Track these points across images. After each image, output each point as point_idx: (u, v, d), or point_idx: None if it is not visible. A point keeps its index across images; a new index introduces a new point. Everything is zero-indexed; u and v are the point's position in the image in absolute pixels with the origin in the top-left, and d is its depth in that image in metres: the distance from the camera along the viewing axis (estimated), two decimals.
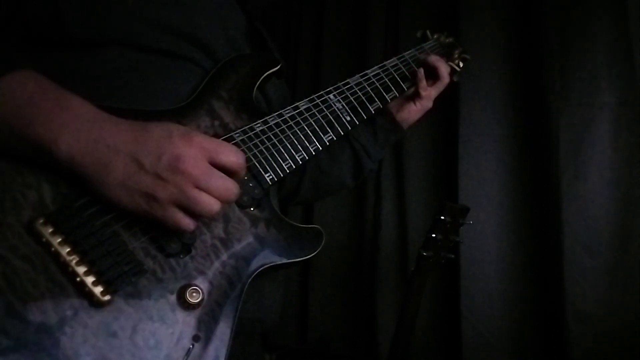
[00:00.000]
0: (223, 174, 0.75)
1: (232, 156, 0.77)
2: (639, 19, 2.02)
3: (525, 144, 2.24)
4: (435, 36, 1.41)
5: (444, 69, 1.26)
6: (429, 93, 1.27)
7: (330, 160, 1.26)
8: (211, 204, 0.73)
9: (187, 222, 0.74)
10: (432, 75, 1.26)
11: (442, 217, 1.65)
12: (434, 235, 1.65)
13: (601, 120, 2.06)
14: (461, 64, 1.41)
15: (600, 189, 2.05)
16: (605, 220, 2.04)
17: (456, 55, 1.41)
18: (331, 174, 1.28)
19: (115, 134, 0.72)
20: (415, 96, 1.26)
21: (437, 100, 1.31)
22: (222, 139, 0.87)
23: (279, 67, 1.02)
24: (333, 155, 1.26)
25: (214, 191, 0.74)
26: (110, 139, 0.72)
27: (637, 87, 2.01)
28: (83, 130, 0.71)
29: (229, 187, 0.75)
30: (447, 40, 1.42)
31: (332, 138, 1.03)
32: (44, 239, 0.69)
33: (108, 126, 0.73)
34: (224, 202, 0.75)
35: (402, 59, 1.25)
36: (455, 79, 1.40)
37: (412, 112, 1.28)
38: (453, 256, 1.72)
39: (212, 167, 0.74)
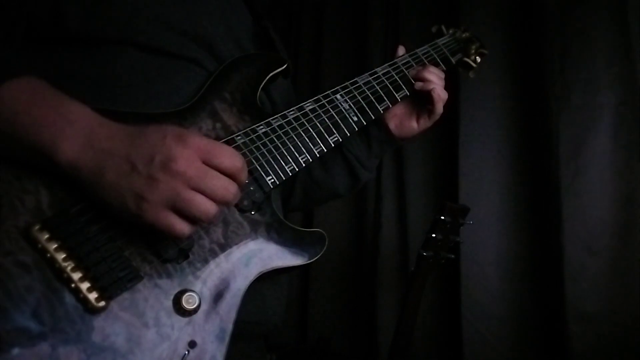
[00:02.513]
0: (219, 174, 0.72)
1: (228, 158, 0.73)
2: (639, 19, 2.02)
3: (525, 144, 2.24)
4: (450, 31, 1.33)
5: (439, 91, 1.15)
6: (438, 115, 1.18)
7: (322, 170, 1.21)
8: (207, 206, 0.70)
9: (181, 227, 0.70)
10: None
11: (442, 217, 1.64)
12: (434, 235, 1.64)
13: (601, 120, 2.07)
14: (478, 59, 1.34)
15: (600, 189, 2.05)
16: (605, 220, 2.04)
17: (473, 51, 1.33)
18: (323, 184, 1.23)
19: (110, 138, 0.72)
20: (430, 114, 1.17)
21: None
22: (223, 142, 0.86)
23: (285, 66, 0.99)
24: (325, 165, 1.21)
25: (210, 192, 0.70)
26: (105, 143, 0.71)
27: (637, 87, 2.01)
28: (80, 136, 0.71)
29: (226, 186, 0.72)
30: (464, 35, 1.34)
31: (338, 139, 1.00)
32: (39, 245, 0.69)
33: (104, 130, 0.72)
34: (221, 204, 0.72)
35: (415, 56, 1.19)
36: (471, 75, 1.35)
37: (412, 130, 1.20)
38: (453, 256, 1.71)
39: (207, 167, 0.71)
